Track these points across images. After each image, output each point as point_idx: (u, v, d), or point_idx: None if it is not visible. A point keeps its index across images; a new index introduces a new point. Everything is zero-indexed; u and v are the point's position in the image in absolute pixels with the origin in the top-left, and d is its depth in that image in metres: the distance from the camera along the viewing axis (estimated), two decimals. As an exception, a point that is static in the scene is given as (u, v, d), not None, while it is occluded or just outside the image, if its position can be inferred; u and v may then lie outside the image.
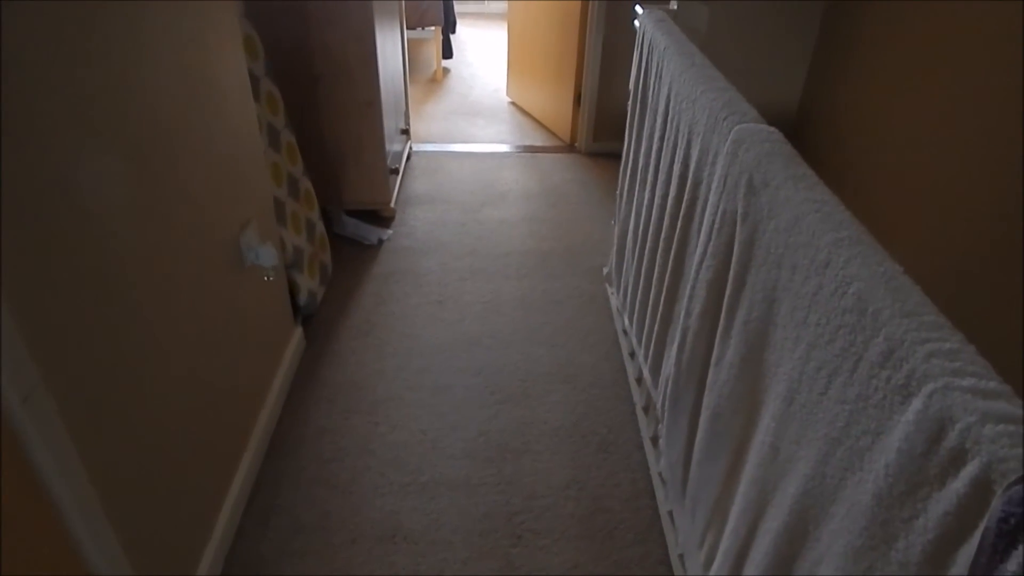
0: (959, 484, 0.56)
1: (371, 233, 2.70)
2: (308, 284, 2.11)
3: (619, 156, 2.20)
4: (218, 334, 1.44)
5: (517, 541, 1.53)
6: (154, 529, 1.17)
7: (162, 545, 1.21)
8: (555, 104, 3.75)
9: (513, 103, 4.29)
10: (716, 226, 1.16)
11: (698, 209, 1.32)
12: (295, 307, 2.04)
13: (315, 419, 1.84)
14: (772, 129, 1.10)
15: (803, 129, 3.06)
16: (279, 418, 1.83)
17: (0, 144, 0.79)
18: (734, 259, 1.09)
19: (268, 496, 1.61)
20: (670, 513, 1.52)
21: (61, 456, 0.89)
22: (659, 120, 1.61)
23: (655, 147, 1.64)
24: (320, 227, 2.29)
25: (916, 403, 0.62)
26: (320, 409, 1.87)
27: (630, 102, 1.95)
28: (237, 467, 1.56)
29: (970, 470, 0.55)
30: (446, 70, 4.91)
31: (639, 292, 1.79)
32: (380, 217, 2.84)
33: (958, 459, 0.57)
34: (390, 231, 2.76)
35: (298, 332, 2.04)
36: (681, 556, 1.40)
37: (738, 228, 1.08)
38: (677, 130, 1.46)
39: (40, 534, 0.88)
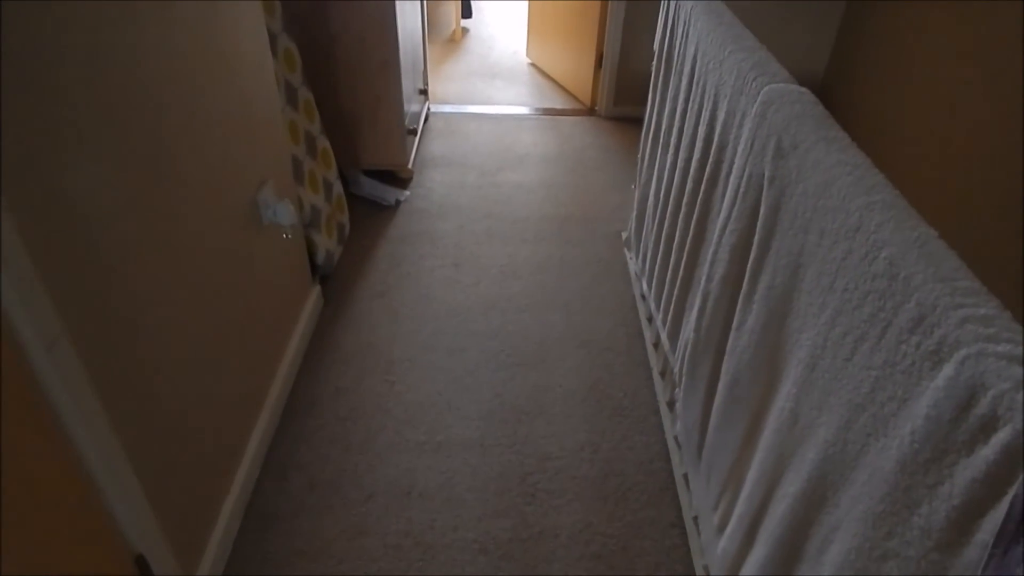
0: (989, 451, 0.56)
1: (388, 194, 2.68)
2: (326, 244, 2.11)
3: (640, 121, 2.16)
4: (237, 290, 1.45)
5: (531, 500, 1.55)
6: (175, 479, 1.20)
7: (183, 495, 1.23)
8: (576, 66, 3.69)
9: (533, 64, 4.22)
10: (741, 190, 1.14)
11: (723, 173, 1.30)
12: (313, 267, 2.04)
13: (331, 379, 1.85)
14: (803, 90, 1.07)
15: (830, 94, 2.98)
16: (296, 377, 1.84)
17: (17, 108, 0.78)
18: (759, 224, 1.07)
19: (285, 453, 1.64)
20: (685, 476, 1.52)
21: (85, 405, 0.90)
22: (684, 81, 1.57)
23: (679, 109, 1.61)
24: (338, 187, 2.28)
25: (947, 369, 0.61)
26: (336, 369, 1.89)
27: (654, 63, 1.90)
28: (255, 423, 1.58)
29: (1001, 437, 0.54)
30: (465, 30, 4.83)
31: (659, 257, 1.77)
32: (397, 178, 2.82)
33: (989, 426, 0.56)
34: (407, 192, 2.74)
35: (315, 291, 2.05)
36: (695, 519, 1.41)
37: (764, 192, 1.06)
38: (703, 91, 1.42)
39: (65, 483, 0.90)
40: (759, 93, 1.11)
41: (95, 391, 0.92)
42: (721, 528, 1.21)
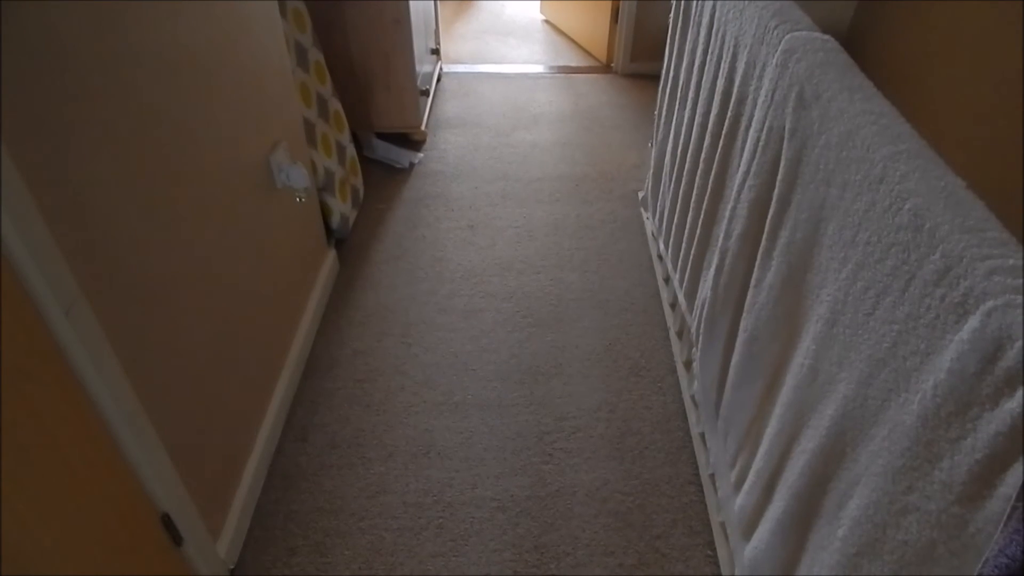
0: (1014, 404, 0.54)
1: (402, 156, 2.66)
2: (340, 207, 2.10)
3: (657, 77, 2.11)
4: (253, 254, 1.45)
5: (548, 459, 1.56)
6: (198, 440, 1.22)
7: (207, 456, 1.25)
8: (591, 22, 3.60)
9: (547, 21, 4.13)
10: (761, 143, 1.11)
11: (742, 127, 1.26)
12: (328, 231, 2.04)
13: (349, 341, 1.87)
14: (827, 37, 1.03)
15: (857, 44, 2.89)
16: (314, 340, 1.86)
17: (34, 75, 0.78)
18: (779, 178, 1.04)
19: (305, 414, 1.66)
20: (702, 435, 1.53)
21: (105, 368, 0.91)
22: (703, 33, 1.52)
23: (697, 62, 1.56)
24: (351, 150, 2.26)
25: (972, 321, 0.59)
26: (353, 331, 1.90)
27: (672, 15, 1.85)
28: (275, 385, 1.60)
29: (1028, 389, 0.53)
30: (477, -13, 4.72)
31: (676, 215, 1.75)
32: (411, 140, 2.79)
33: (1015, 378, 0.55)
34: (421, 154, 2.72)
35: (331, 255, 2.05)
36: (712, 476, 1.42)
37: (785, 145, 1.03)
38: (722, 42, 1.38)
39: (89, 445, 0.91)
40: (780, 42, 1.08)
41: (115, 354, 0.93)
42: (738, 485, 1.21)
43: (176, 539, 1.12)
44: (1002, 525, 0.54)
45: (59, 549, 0.84)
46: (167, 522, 1.09)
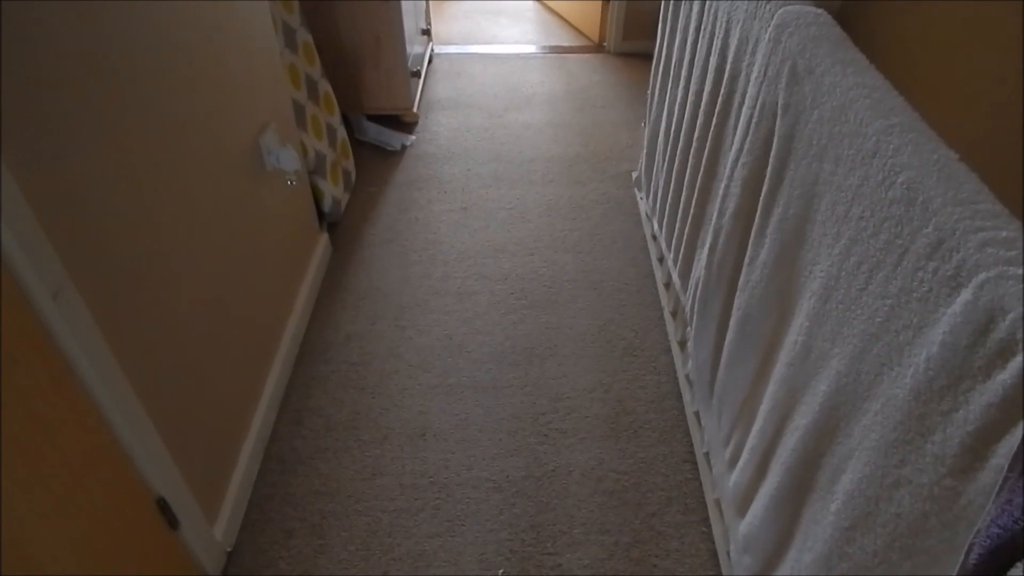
0: (1006, 375, 0.54)
1: (394, 139, 2.64)
2: (331, 191, 2.08)
3: (651, 56, 2.09)
4: (244, 237, 1.44)
5: (543, 439, 1.57)
6: (192, 425, 1.21)
7: (201, 440, 1.25)
8: (583, 1, 3.56)
9: (539, 1, 4.08)
10: (754, 120, 1.10)
11: (735, 104, 1.26)
12: (320, 214, 2.03)
13: (343, 324, 1.86)
14: (820, 11, 1.02)
15: (850, 18, 2.87)
16: (308, 324, 1.85)
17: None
18: (772, 154, 1.04)
19: (300, 398, 1.66)
20: (696, 414, 1.53)
21: (95, 353, 0.90)
22: (695, 9, 1.51)
23: (690, 39, 1.55)
24: (341, 132, 2.24)
25: (965, 294, 0.59)
26: (347, 315, 1.89)
27: (663, -8, 1.83)
28: (269, 370, 1.60)
29: (1020, 361, 0.53)
30: (467, -34, 4.66)
31: (670, 195, 1.74)
32: (402, 122, 2.77)
33: (1007, 350, 0.54)
34: (413, 137, 2.70)
35: (323, 239, 2.04)
36: (706, 454, 1.42)
37: (778, 121, 1.02)
38: (715, 18, 1.37)
39: (81, 430, 0.91)
40: (773, 16, 1.06)
41: (105, 338, 0.92)
42: (732, 462, 1.21)
43: (172, 522, 1.12)
44: (994, 496, 0.54)
45: (54, 535, 0.84)
46: (163, 506, 1.09)
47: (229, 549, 1.33)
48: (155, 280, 1.08)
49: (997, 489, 0.54)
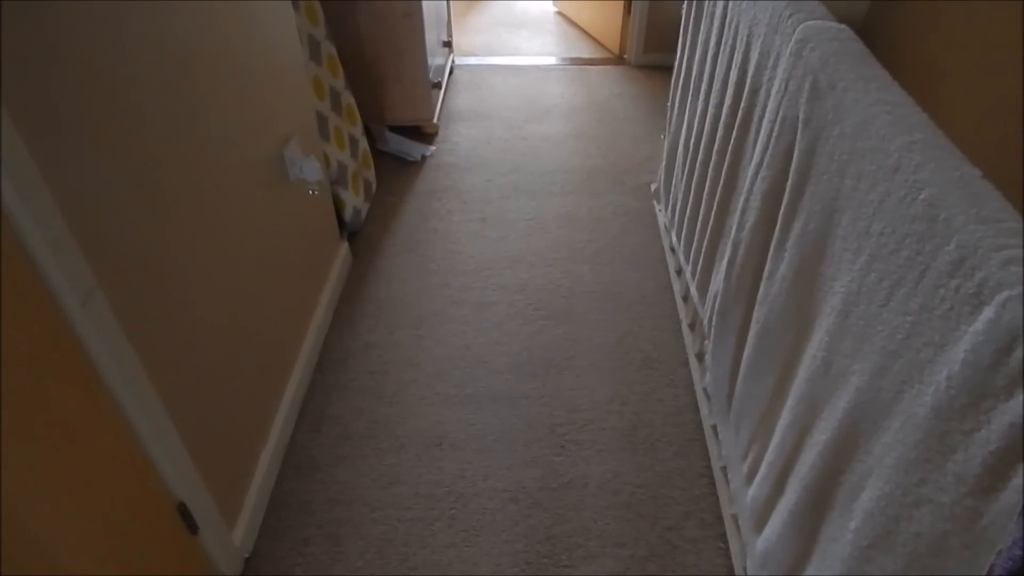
0: (1029, 395, 0.54)
1: (414, 149, 2.66)
2: (353, 200, 2.11)
3: (671, 68, 2.10)
4: (266, 246, 1.46)
5: (560, 451, 1.57)
6: (213, 431, 1.23)
7: (222, 446, 1.27)
8: (604, 13, 3.58)
9: (560, 13, 4.11)
10: (774, 134, 1.10)
11: (755, 117, 1.26)
12: (341, 223, 2.05)
13: (362, 333, 1.88)
14: (842, 27, 1.02)
15: (873, 35, 2.85)
16: (327, 332, 1.87)
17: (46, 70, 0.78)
18: (792, 168, 1.04)
19: (319, 406, 1.67)
20: (713, 428, 1.52)
21: (121, 358, 0.92)
22: (716, 23, 1.51)
23: (711, 53, 1.55)
24: (363, 143, 2.26)
25: (987, 312, 0.58)
26: (366, 324, 1.91)
27: (685, 5, 1.83)
28: (288, 378, 1.62)
29: (1043, 381, 0.52)
30: (489, -21, 4.70)
31: (689, 207, 1.74)
32: (423, 133, 2.80)
33: (1030, 370, 0.54)
34: (433, 147, 2.72)
35: (344, 248, 2.06)
36: (724, 468, 1.41)
37: (799, 135, 1.02)
38: (735, 32, 1.37)
39: (105, 433, 0.93)
40: (794, 31, 1.07)
41: (131, 345, 0.94)
42: (750, 477, 1.20)
43: (192, 527, 1.14)
44: (1016, 517, 0.54)
45: (76, 538, 0.85)
46: (183, 510, 1.11)
47: (247, 555, 1.35)
48: (179, 287, 1.10)
49: (1020, 510, 0.53)
